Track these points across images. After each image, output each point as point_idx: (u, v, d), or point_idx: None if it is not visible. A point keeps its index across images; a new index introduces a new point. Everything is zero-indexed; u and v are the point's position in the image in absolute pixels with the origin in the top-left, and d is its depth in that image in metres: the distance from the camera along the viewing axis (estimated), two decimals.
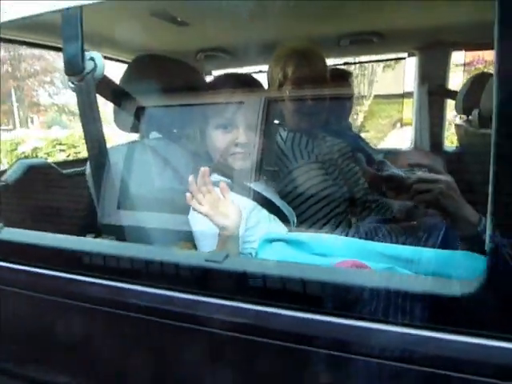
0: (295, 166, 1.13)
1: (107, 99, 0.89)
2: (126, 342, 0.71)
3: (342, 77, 1.66)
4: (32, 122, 13.49)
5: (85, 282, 0.71)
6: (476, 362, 0.42)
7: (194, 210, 0.74)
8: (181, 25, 1.36)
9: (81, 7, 0.72)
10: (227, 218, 0.75)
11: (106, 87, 0.83)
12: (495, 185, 0.42)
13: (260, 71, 1.84)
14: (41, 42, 1.39)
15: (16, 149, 5.84)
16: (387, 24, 1.52)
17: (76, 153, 5.18)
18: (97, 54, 0.74)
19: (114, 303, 0.68)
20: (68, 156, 5.33)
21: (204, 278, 0.60)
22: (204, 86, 1.09)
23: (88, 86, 0.73)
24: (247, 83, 1.07)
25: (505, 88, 0.42)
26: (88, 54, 0.73)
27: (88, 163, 0.84)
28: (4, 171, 1.68)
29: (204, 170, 0.73)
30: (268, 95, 1.15)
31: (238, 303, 0.56)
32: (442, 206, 0.71)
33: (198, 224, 0.81)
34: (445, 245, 0.82)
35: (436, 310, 0.44)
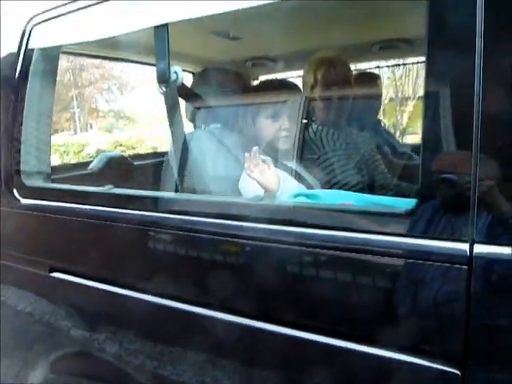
0: (322, 152, 1.41)
1: (184, 99, 1.24)
2: None
3: (370, 78, 1.92)
4: (91, 127, 14.52)
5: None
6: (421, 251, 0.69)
7: (249, 176, 1.06)
8: (233, 39, 1.70)
9: (167, 29, 1.04)
10: (270, 183, 1.06)
11: (183, 91, 1.16)
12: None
13: (299, 76, 2.13)
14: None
15: (82, 150, 6.47)
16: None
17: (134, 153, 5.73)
18: (178, 68, 1.08)
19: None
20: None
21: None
22: (252, 88, 1.43)
23: (172, 90, 1.06)
24: (286, 85, 1.39)
25: None
26: (172, 68, 1.07)
27: (170, 149, 1.19)
28: (90, 162, 2.09)
29: (255, 149, 1.05)
30: (304, 95, 1.47)
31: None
32: None
33: (248, 188, 1.14)
34: None
35: (391, 220, 0.72)
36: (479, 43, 0.63)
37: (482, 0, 0.63)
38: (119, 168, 2.08)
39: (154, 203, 1.06)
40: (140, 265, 1.04)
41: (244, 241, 0.88)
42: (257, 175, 1.05)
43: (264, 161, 1.07)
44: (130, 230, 1.03)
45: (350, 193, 0.93)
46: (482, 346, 0.67)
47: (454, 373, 0.68)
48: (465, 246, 0.66)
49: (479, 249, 0.65)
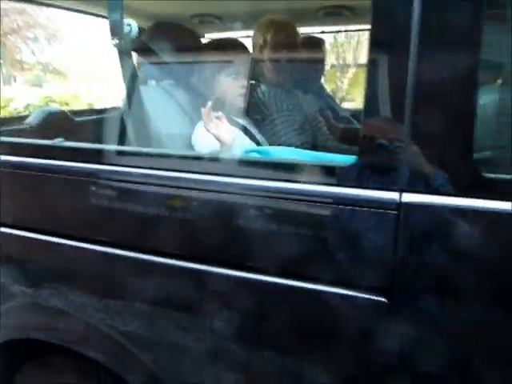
0: (270, 112, 1.48)
1: (137, 54, 1.23)
2: None
3: (315, 43, 1.99)
4: (15, 80, 13.33)
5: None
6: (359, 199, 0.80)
7: (207, 129, 1.10)
8: None
9: None
10: (226, 137, 1.12)
11: (137, 44, 1.16)
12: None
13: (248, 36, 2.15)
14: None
15: (8, 105, 5.98)
16: None
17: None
18: (132, 21, 1.07)
19: None
20: None
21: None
22: (204, 46, 1.45)
23: (126, 43, 1.06)
24: (237, 45, 1.43)
25: None
26: (126, 21, 1.06)
27: (124, 102, 1.19)
28: (26, 116, 1.99)
29: (209, 104, 1.09)
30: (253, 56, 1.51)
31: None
32: None
33: (202, 142, 1.19)
34: None
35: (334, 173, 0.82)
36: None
37: None
38: (60, 123, 2.00)
39: (103, 155, 1.07)
40: (94, 215, 1.06)
41: (197, 193, 0.94)
42: (213, 128, 1.10)
43: (217, 116, 1.11)
44: (83, 183, 1.04)
45: (298, 150, 1.02)
46: (405, 279, 0.80)
47: (382, 301, 0.81)
48: (395, 195, 0.77)
49: (406, 197, 0.77)
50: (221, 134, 1.10)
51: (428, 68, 0.74)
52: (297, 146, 1.41)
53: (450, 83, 0.74)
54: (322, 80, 2.29)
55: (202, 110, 1.08)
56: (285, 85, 1.55)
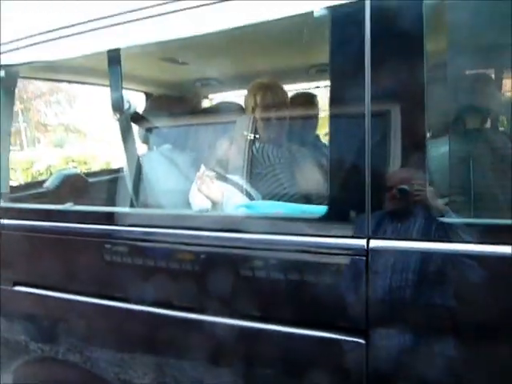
0: (264, 167, 1.60)
1: (137, 125, 1.39)
2: None
3: (306, 98, 2.14)
4: (39, 142, 14.01)
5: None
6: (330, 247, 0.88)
7: (199, 190, 1.21)
8: (182, 64, 1.87)
9: (120, 64, 1.18)
10: (215, 196, 1.23)
11: (135, 118, 1.31)
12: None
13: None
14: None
15: (31, 167, 6.32)
16: None
17: (87, 169, 5.69)
18: (130, 98, 1.22)
19: None
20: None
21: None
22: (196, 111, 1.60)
23: (126, 117, 1.21)
24: (230, 108, 1.58)
25: None
26: (125, 98, 1.21)
27: (125, 169, 1.33)
28: (45, 180, 2.17)
29: (203, 167, 1.21)
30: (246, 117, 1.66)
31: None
32: None
33: (196, 200, 1.30)
34: None
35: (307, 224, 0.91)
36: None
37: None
38: (75, 185, 2.16)
39: (112, 217, 1.19)
40: (102, 273, 1.17)
41: (192, 247, 1.04)
42: (204, 189, 1.21)
43: (208, 176, 1.23)
44: (91, 243, 1.16)
45: (281, 203, 1.12)
46: (379, 318, 0.86)
47: (360, 342, 0.87)
48: (363, 242, 0.85)
49: (373, 243, 0.85)
50: (210, 194, 1.22)
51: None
52: (285, 199, 1.51)
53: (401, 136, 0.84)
54: (318, 131, 2.41)
55: (197, 174, 1.21)
56: (277, 140, 1.68)
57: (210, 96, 2.58)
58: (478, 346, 0.81)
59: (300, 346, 0.93)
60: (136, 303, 1.11)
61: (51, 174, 2.29)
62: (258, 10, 1.00)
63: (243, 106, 1.72)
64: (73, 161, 6.01)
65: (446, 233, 0.81)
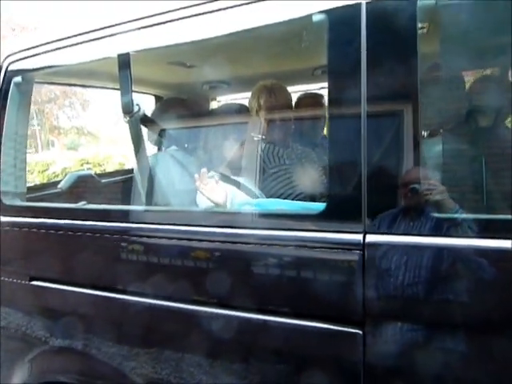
0: (268, 168, 1.64)
1: (146, 127, 1.45)
2: None
3: (313, 99, 2.18)
4: (53, 145, 14.23)
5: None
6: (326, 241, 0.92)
7: (200, 192, 1.26)
8: (190, 67, 1.93)
9: (130, 68, 1.24)
10: (218, 197, 1.27)
11: (144, 120, 1.37)
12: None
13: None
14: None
15: (47, 169, 6.46)
16: None
17: (102, 170, 5.81)
18: (139, 101, 1.28)
19: None
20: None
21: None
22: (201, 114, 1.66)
23: (136, 120, 1.27)
24: (234, 110, 1.63)
25: None
26: (135, 101, 1.27)
27: (135, 170, 1.39)
28: (59, 181, 2.24)
29: (203, 170, 1.26)
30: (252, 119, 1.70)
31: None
32: None
33: (201, 201, 1.35)
34: None
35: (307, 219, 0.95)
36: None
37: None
38: (87, 185, 2.24)
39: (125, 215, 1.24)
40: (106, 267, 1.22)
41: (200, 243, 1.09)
42: (206, 192, 1.26)
43: (212, 177, 1.28)
44: (104, 240, 1.22)
45: (283, 201, 1.16)
46: (375, 310, 0.90)
47: (357, 332, 0.90)
48: (359, 237, 0.89)
49: (369, 238, 0.89)
50: (212, 195, 1.26)
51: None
52: (287, 197, 1.55)
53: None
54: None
55: (195, 176, 1.25)
56: (282, 141, 1.72)
57: (218, 98, 2.65)
58: (472, 338, 0.84)
59: (299, 337, 0.96)
60: (147, 297, 1.16)
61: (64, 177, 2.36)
62: (264, 14, 1.03)
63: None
64: (87, 163, 6.14)
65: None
